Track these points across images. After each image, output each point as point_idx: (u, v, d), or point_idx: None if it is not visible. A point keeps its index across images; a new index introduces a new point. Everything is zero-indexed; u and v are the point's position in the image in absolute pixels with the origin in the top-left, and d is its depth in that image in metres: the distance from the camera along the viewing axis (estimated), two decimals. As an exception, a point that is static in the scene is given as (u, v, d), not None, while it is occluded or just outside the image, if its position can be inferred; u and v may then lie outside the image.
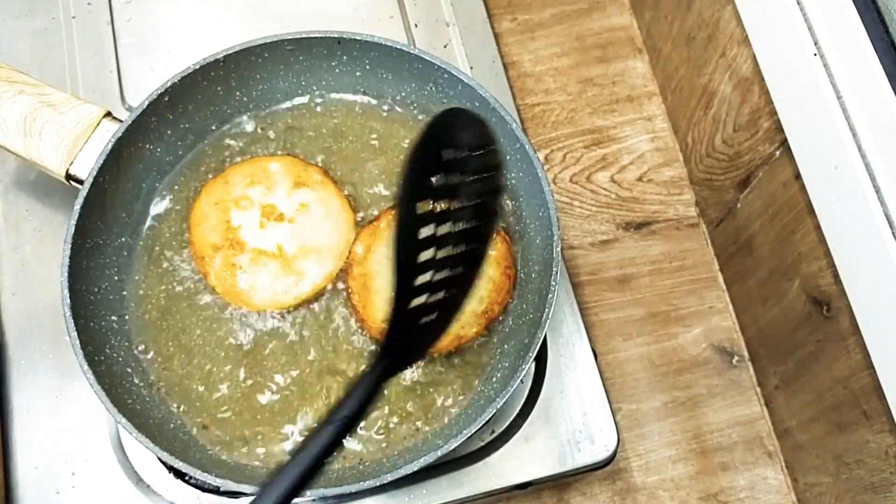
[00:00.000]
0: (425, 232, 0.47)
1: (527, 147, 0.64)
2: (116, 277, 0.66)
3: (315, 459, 0.44)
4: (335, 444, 0.45)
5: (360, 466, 0.61)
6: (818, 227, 0.69)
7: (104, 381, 0.58)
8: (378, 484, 0.56)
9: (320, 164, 0.71)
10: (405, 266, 0.47)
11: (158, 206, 0.69)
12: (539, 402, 0.70)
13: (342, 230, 0.68)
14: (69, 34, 0.82)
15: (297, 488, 0.43)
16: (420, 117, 0.72)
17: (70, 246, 0.61)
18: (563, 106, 0.99)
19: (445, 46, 0.83)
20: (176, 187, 0.70)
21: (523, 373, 0.58)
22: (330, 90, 0.72)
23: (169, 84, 0.66)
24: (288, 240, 0.67)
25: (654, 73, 1.00)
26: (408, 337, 0.49)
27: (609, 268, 0.93)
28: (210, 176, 0.70)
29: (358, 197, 0.70)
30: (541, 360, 0.71)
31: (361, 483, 0.56)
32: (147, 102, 0.65)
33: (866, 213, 0.60)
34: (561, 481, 0.82)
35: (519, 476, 0.68)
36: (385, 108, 0.73)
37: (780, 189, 0.76)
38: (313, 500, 0.66)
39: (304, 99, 0.73)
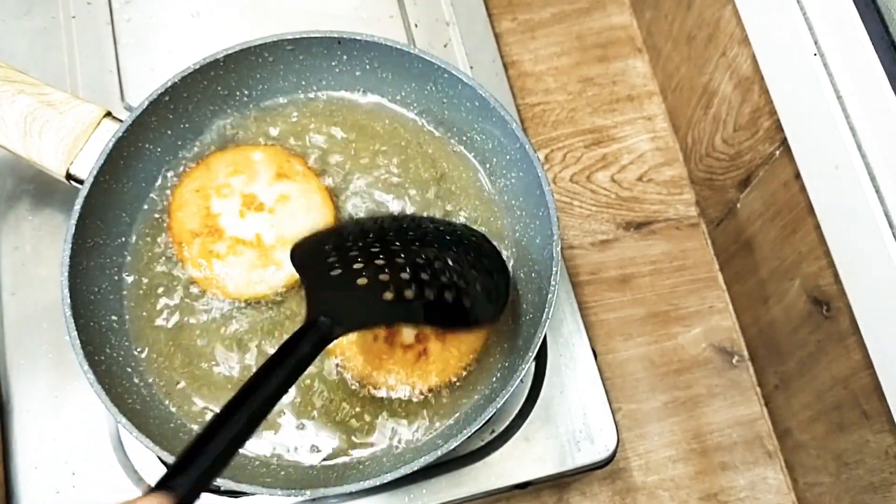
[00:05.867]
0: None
1: (527, 147, 0.64)
2: (116, 277, 0.66)
3: (248, 423, 0.44)
4: (265, 408, 0.45)
5: (360, 466, 0.61)
6: (818, 226, 0.69)
7: (104, 381, 0.58)
8: (378, 484, 0.56)
9: (313, 162, 0.71)
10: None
11: (158, 207, 0.69)
12: (539, 401, 0.70)
13: (321, 224, 0.68)
14: (69, 34, 0.82)
15: (231, 450, 0.43)
16: (421, 117, 0.72)
17: (70, 246, 0.61)
18: (563, 105, 0.99)
19: (445, 46, 0.83)
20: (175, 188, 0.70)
21: (523, 373, 0.58)
22: (330, 90, 0.72)
23: (169, 84, 0.66)
24: (267, 230, 0.67)
25: (654, 73, 1.00)
26: (344, 296, 0.53)
27: (609, 268, 0.93)
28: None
29: (338, 191, 0.71)
30: (541, 360, 0.71)
31: (361, 483, 0.56)
32: (147, 102, 0.65)
33: (866, 213, 0.60)
34: (561, 481, 0.82)
35: (519, 476, 0.68)
36: (386, 107, 0.73)
37: (780, 189, 0.76)
38: (313, 500, 0.66)
39: (304, 99, 0.73)
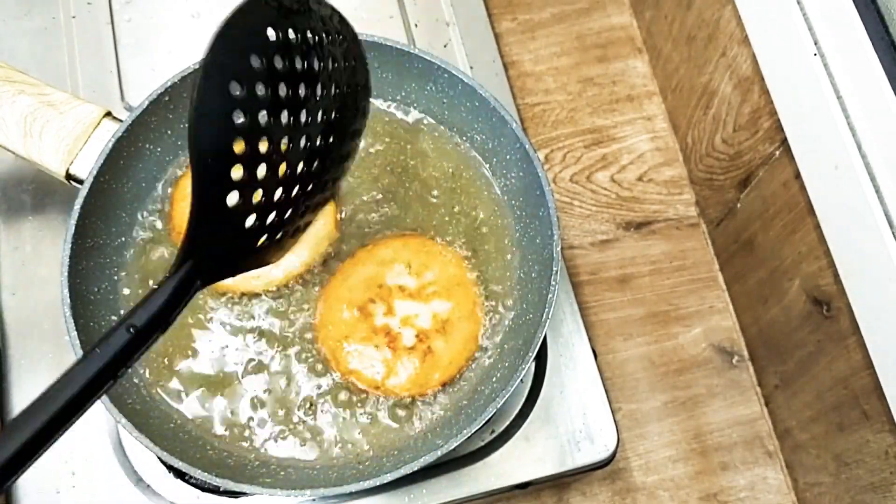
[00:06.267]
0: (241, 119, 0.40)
1: (527, 147, 0.64)
2: (116, 277, 0.66)
3: (104, 367, 0.41)
4: (126, 356, 0.42)
5: (360, 466, 0.61)
6: (818, 226, 0.69)
7: (104, 381, 0.58)
8: (378, 484, 0.56)
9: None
10: (206, 153, 0.42)
11: (158, 207, 0.69)
12: (539, 401, 0.70)
13: (323, 220, 0.68)
14: (69, 34, 0.82)
15: (82, 400, 0.40)
16: (421, 118, 0.72)
17: (70, 246, 0.61)
18: (563, 105, 0.99)
19: (445, 46, 0.83)
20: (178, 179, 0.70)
21: (523, 373, 0.58)
22: (330, 90, 0.72)
23: (169, 84, 0.66)
24: None
25: (654, 73, 1.00)
26: (221, 239, 0.45)
27: (609, 268, 0.93)
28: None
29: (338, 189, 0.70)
30: (541, 360, 0.71)
31: (361, 483, 0.56)
32: (147, 102, 0.65)
33: (866, 213, 0.60)
34: (561, 481, 0.82)
35: (519, 476, 0.68)
36: (385, 108, 0.73)
37: (780, 189, 0.76)
38: (313, 500, 0.66)
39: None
